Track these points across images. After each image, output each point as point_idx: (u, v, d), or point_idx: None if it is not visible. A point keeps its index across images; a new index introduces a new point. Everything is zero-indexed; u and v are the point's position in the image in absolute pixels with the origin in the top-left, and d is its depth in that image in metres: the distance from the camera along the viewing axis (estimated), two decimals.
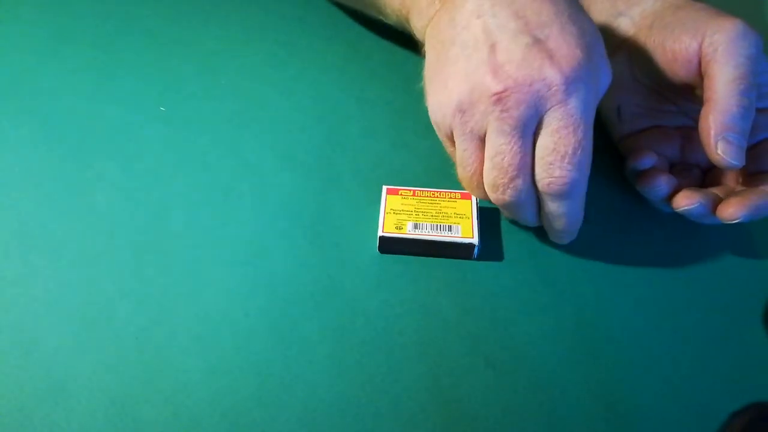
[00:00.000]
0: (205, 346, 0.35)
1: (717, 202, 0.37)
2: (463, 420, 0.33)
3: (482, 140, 0.34)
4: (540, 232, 0.41)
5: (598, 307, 0.38)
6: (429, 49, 0.37)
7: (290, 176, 0.43)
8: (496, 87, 0.32)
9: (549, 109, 0.32)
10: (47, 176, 0.42)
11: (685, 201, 0.37)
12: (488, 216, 0.42)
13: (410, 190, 0.41)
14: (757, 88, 0.35)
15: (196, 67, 0.50)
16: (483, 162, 0.35)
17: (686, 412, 0.34)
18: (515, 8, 0.32)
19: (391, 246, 0.39)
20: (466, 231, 0.39)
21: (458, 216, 0.40)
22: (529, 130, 0.33)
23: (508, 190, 0.34)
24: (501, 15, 0.32)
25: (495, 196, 0.35)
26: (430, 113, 0.37)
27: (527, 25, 0.32)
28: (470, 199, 0.40)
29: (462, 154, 0.36)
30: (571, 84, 0.31)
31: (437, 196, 0.41)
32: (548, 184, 0.33)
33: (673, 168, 0.42)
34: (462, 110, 0.34)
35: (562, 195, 0.34)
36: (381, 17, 0.46)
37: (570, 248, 0.40)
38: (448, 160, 0.43)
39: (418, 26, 0.39)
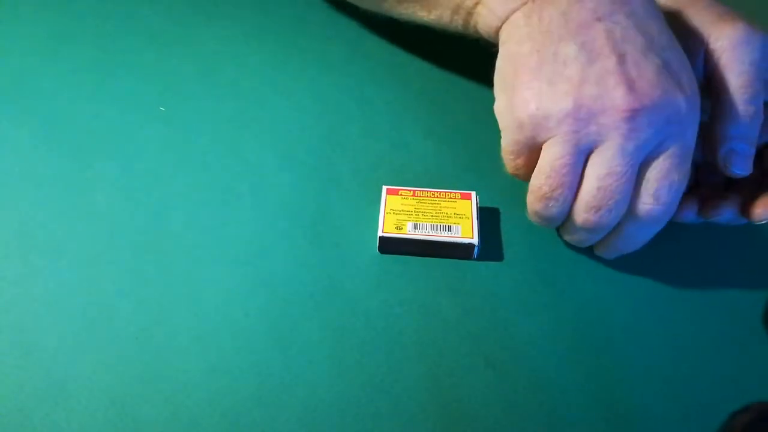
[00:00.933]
0: (205, 346, 0.35)
1: (743, 203, 0.37)
2: (463, 420, 0.33)
3: (585, 154, 0.32)
4: (540, 232, 0.41)
5: (598, 307, 0.38)
6: (520, 40, 0.33)
7: (290, 176, 0.43)
8: (632, 103, 0.30)
9: (670, 137, 0.31)
10: (47, 176, 0.42)
11: (712, 211, 0.37)
12: (488, 216, 0.42)
13: (410, 190, 0.41)
14: (765, 89, 0.35)
15: (196, 67, 0.50)
16: (578, 177, 0.32)
17: (686, 412, 0.34)
18: (636, 21, 0.31)
19: (391, 246, 0.39)
20: (466, 231, 0.39)
21: (458, 216, 0.40)
22: (645, 155, 0.31)
23: (606, 214, 0.32)
24: (624, 24, 0.31)
25: (586, 217, 0.33)
26: (513, 109, 0.33)
27: (652, 44, 0.31)
28: (470, 199, 0.40)
29: (554, 163, 0.32)
30: (690, 113, 0.31)
31: (437, 196, 0.41)
32: (649, 210, 0.32)
33: (699, 170, 0.40)
34: (578, 117, 0.31)
35: (655, 221, 0.33)
36: (418, 13, 0.43)
37: (570, 248, 0.40)
38: (448, 161, 0.43)
39: (498, 11, 0.35)
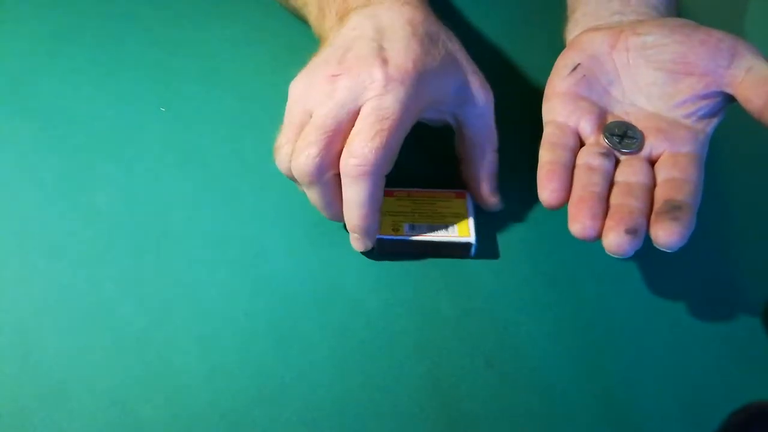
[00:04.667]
0: (205, 346, 0.35)
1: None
2: (463, 420, 0.33)
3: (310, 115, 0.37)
4: (539, 232, 0.41)
5: (598, 307, 0.38)
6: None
7: None
8: (334, 70, 0.36)
9: (367, 100, 0.35)
10: (48, 176, 0.42)
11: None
12: (486, 216, 0.42)
13: (405, 191, 0.41)
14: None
15: (196, 67, 0.50)
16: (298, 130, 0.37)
17: (685, 412, 0.34)
18: (378, 24, 0.38)
19: (389, 248, 0.39)
20: (463, 230, 0.39)
21: (454, 215, 0.39)
22: (346, 112, 0.36)
23: (313, 148, 0.35)
24: (366, 27, 0.38)
25: (299, 154, 0.36)
26: None
27: (381, 38, 0.37)
28: (465, 198, 0.40)
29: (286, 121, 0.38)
30: (391, 83, 0.35)
31: (432, 196, 0.41)
32: (345, 165, 0.35)
33: None
34: (306, 88, 0.37)
35: (357, 178, 0.35)
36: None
37: (570, 248, 0.40)
38: (448, 160, 0.43)
39: (326, 28, 0.43)
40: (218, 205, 0.41)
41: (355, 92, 0.36)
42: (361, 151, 0.35)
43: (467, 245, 0.38)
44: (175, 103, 0.47)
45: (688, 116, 0.38)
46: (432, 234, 0.39)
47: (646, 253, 0.39)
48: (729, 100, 0.38)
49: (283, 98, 0.38)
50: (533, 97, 0.42)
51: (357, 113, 0.36)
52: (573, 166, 0.37)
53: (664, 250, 0.33)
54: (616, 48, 0.40)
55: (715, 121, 0.39)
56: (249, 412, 0.33)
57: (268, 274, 0.38)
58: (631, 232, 0.33)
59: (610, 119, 0.39)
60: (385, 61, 0.36)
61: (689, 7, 0.54)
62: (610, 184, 0.37)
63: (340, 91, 0.36)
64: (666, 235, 0.33)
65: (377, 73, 0.35)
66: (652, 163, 0.38)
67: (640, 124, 0.39)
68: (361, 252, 0.39)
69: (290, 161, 0.37)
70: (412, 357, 0.35)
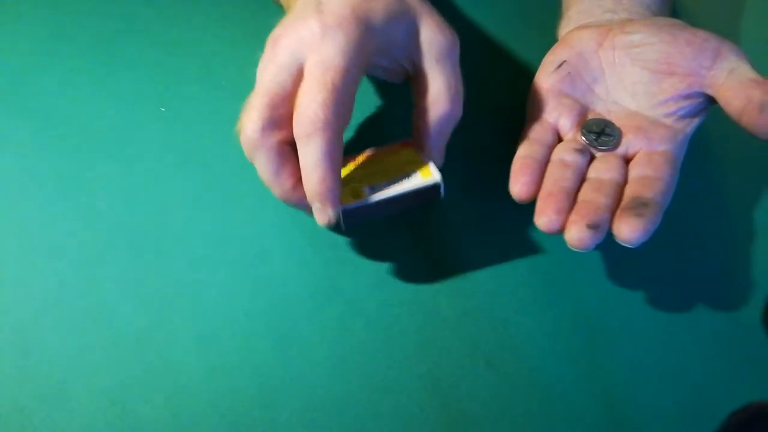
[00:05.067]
0: (206, 347, 0.35)
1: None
2: (463, 420, 0.33)
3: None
4: (540, 231, 0.41)
5: (598, 307, 0.38)
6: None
7: None
8: (274, 34, 0.35)
9: (309, 55, 0.34)
10: (47, 176, 0.42)
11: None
12: (487, 215, 0.42)
13: (349, 158, 0.39)
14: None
15: (196, 67, 0.50)
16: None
17: (685, 412, 0.34)
18: None
19: (355, 217, 0.36)
20: (425, 173, 0.37)
21: (409, 163, 0.38)
22: (290, 73, 0.34)
23: (253, 113, 0.34)
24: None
25: (242, 123, 0.36)
26: None
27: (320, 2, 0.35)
28: (410, 145, 0.39)
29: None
30: (328, 31, 0.34)
31: (379, 155, 0.39)
32: (296, 126, 0.34)
33: None
34: (262, 60, 0.36)
35: (309, 137, 0.33)
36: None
37: (570, 248, 0.40)
38: (448, 160, 0.43)
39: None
40: (218, 205, 0.41)
41: (294, 50, 0.34)
42: (310, 109, 0.33)
43: (436, 186, 0.37)
44: (174, 103, 0.47)
45: (669, 115, 0.39)
46: (395, 188, 0.36)
47: (646, 253, 0.40)
48: (711, 101, 0.38)
49: None
50: (526, 93, 0.42)
51: (302, 72, 0.34)
52: (547, 162, 0.38)
53: (625, 245, 0.34)
54: (603, 46, 0.40)
55: (695, 121, 0.39)
56: (249, 412, 0.33)
57: (268, 274, 0.38)
58: (593, 227, 0.34)
59: (591, 116, 0.40)
60: (320, 12, 0.35)
61: (688, 7, 0.54)
62: (582, 180, 0.37)
63: (280, 51, 0.35)
64: (628, 230, 0.34)
65: (313, 24, 0.34)
66: (627, 160, 0.38)
67: (620, 122, 0.39)
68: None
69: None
70: (412, 357, 0.35)
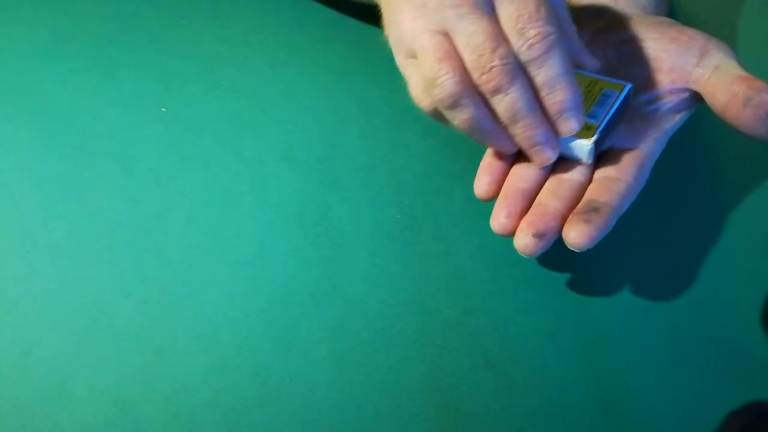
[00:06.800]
0: (205, 346, 0.35)
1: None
2: (463, 420, 0.33)
3: (447, 35, 0.33)
4: None
5: (598, 307, 0.38)
6: None
7: (290, 176, 0.43)
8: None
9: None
10: (48, 176, 0.42)
11: None
12: (487, 214, 0.42)
13: None
14: None
15: (197, 68, 0.50)
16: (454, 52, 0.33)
17: (685, 412, 0.34)
18: None
19: (599, 144, 0.36)
20: (614, 87, 0.37)
21: (588, 86, 0.38)
22: (487, 6, 0.33)
23: (497, 61, 0.33)
24: None
25: (487, 78, 0.33)
26: (401, 33, 0.35)
27: None
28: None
29: (425, 53, 0.34)
30: None
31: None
32: (529, 47, 0.32)
33: None
34: (417, 17, 0.33)
35: (548, 52, 0.32)
36: None
37: (569, 248, 0.40)
38: (449, 160, 0.43)
39: None
40: (218, 205, 0.41)
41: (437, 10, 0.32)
42: (540, 29, 0.32)
43: (629, 90, 0.37)
44: (175, 104, 0.47)
45: (652, 110, 0.38)
46: (606, 106, 0.37)
47: (646, 253, 0.40)
48: (696, 98, 0.38)
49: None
50: None
51: (495, 4, 0.33)
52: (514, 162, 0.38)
53: (573, 249, 0.35)
54: (593, 44, 0.40)
55: (678, 117, 0.39)
56: (249, 411, 0.33)
57: (268, 274, 0.38)
58: (539, 236, 0.35)
59: None
60: None
61: (687, 7, 0.54)
62: (545, 180, 0.37)
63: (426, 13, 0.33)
64: (575, 236, 0.34)
65: None
66: (598, 158, 0.38)
67: None
68: (361, 252, 0.39)
69: (481, 77, 0.33)
70: (412, 357, 0.35)
